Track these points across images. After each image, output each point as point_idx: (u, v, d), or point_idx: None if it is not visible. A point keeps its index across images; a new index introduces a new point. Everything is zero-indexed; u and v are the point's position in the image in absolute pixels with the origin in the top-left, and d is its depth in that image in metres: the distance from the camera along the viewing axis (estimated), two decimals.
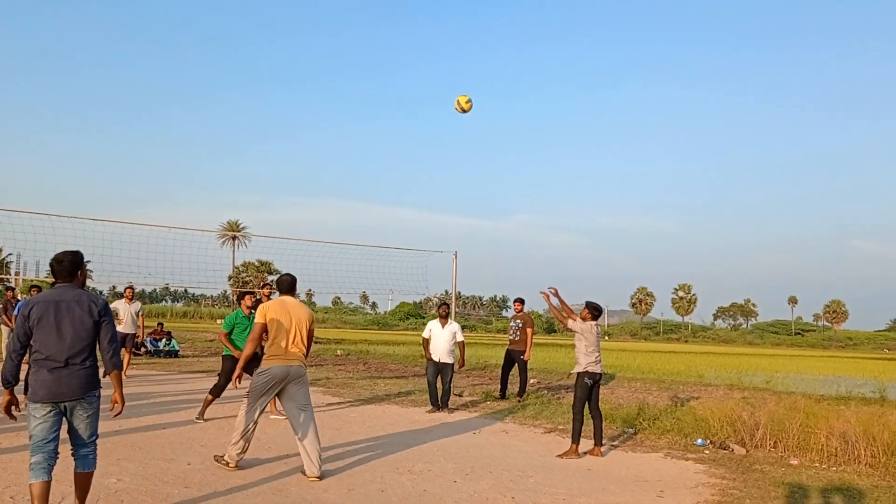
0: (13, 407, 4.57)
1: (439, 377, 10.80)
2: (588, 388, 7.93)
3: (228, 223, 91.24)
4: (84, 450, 4.67)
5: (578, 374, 7.98)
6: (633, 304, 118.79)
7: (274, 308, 6.48)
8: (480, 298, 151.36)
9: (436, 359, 10.76)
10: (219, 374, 9.42)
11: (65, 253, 4.74)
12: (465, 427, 9.55)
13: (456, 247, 22.85)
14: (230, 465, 6.42)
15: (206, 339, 32.36)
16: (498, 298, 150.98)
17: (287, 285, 6.76)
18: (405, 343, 33.85)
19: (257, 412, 6.47)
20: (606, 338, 78.88)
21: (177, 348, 20.63)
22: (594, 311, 8.19)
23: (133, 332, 13.84)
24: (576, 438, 7.86)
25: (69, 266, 4.68)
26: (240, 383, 7.12)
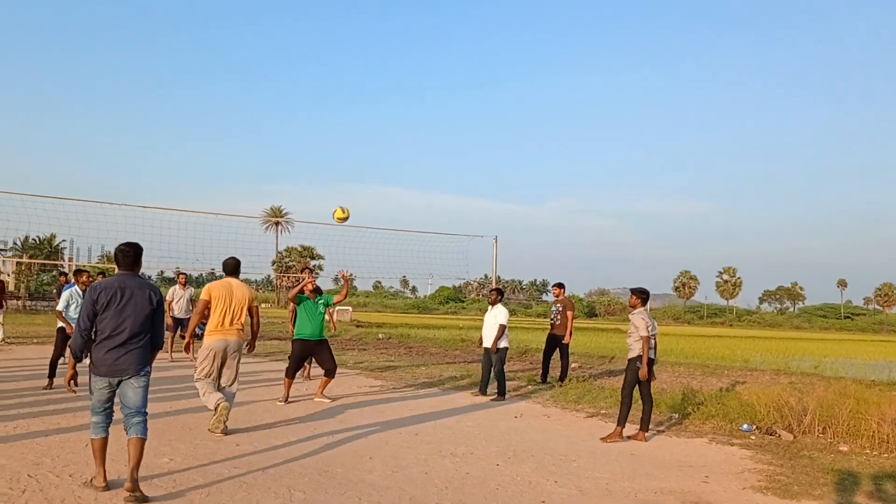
0: (73, 381, 5.30)
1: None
2: (639, 373, 7.89)
3: (272, 209, 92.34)
4: (136, 418, 5.12)
5: (630, 359, 7.93)
6: (676, 288, 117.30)
7: (217, 287, 7.51)
8: (520, 282, 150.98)
9: (486, 344, 10.78)
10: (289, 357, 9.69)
11: (129, 244, 5.26)
12: (507, 411, 9.58)
13: (496, 231, 22.83)
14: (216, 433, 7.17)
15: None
16: (538, 282, 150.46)
17: (231, 268, 7.79)
18: (445, 327, 33.97)
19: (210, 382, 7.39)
20: None
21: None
22: (641, 295, 8.11)
23: (187, 316, 14.16)
24: (621, 421, 7.83)
25: (133, 256, 5.23)
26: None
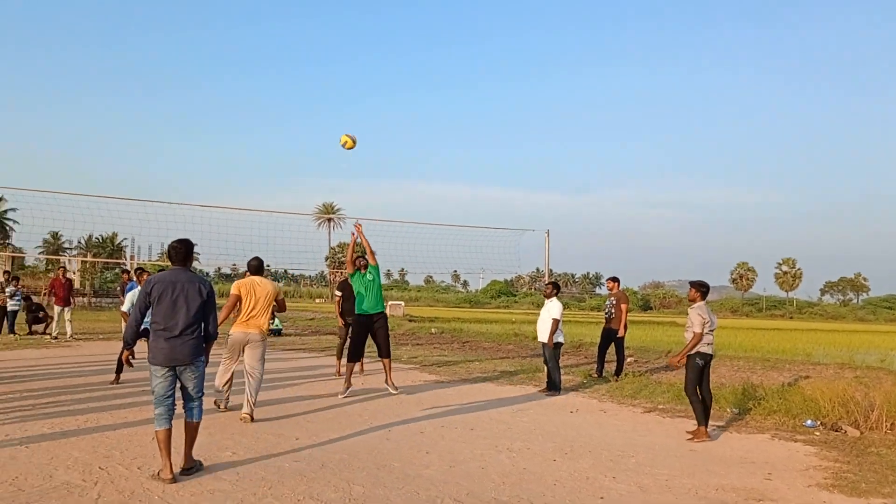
0: (130, 358, 5.76)
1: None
2: (700, 369, 7.76)
3: (324, 205, 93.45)
4: (192, 403, 5.59)
5: (689, 355, 7.80)
6: (734, 280, 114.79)
7: (244, 285, 7.86)
8: (573, 276, 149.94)
9: (541, 339, 10.77)
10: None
11: (181, 241, 5.65)
12: (563, 406, 9.54)
13: (548, 223, 22.73)
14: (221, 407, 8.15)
15: (306, 317, 33.42)
16: (591, 275, 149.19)
17: (254, 268, 8.06)
18: (498, 321, 33.95)
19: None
20: None
21: (280, 327, 21.41)
22: (700, 288, 7.96)
23: None
24: (701, 420, 7.64)
25: (184, 252, 5.64)
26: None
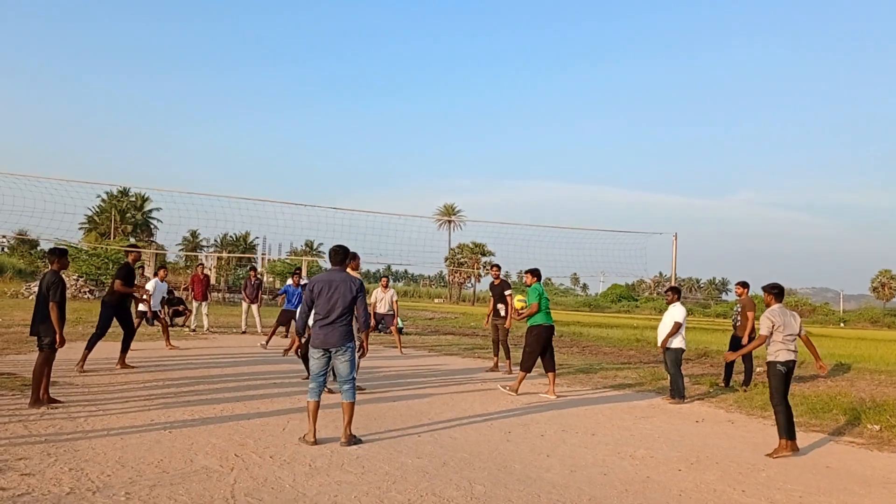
0: (299, 349, 7.09)
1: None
2: (783, 377, 7.30)
3: (445, 207, 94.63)
4: (346, 385, 6.52)
5: (769, 362, 7.37)
6: (875, 289, 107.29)
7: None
8: (698, 281, 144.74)
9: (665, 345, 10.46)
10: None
11: (340, 247, 6.76)
12: (688, 415, 9.25)
13: (673, 227, 22.05)
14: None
15: (426, 317, 33.93)
16: (717, 280, 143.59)
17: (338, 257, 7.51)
18: (619, 326, 33.27)
19: None
20: (842, 324, 72.07)
21: (401, 326, 21.86)
22: (772, 290, 7.52)
23: (390, 313, 15.52)
24: (783, 433, 7.18)
25: (342, 256, 6.73)
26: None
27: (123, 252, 11.36)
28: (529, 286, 10.47)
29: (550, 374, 10.24)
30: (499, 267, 13.57)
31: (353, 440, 6.49)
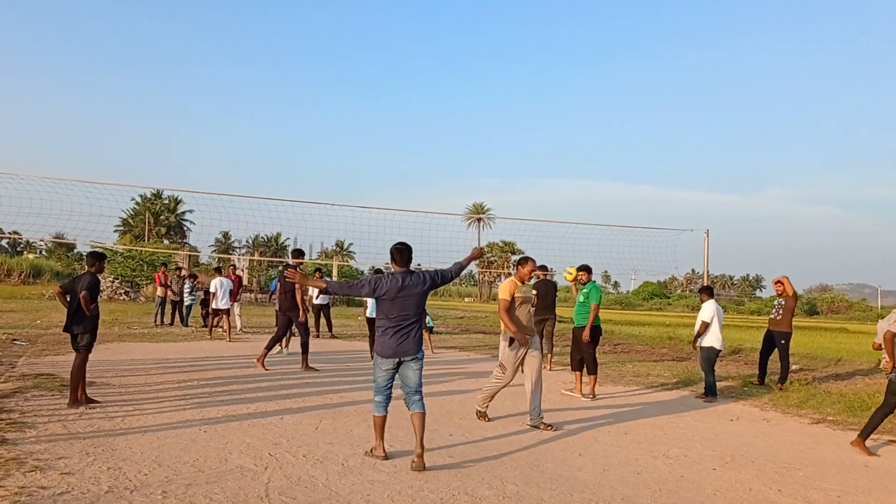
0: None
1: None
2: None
3: (474, 206, 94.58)
4: (415, 396, 5.92)
5: (891, 379, 7.02)
6: None
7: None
8: (731, 278, 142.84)
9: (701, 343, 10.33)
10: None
11: (406, 246, 6.07)
12: (722, 414, 9.14)
13: (705, 223, 21.80)
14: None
15: (456, 316, 33.95)
16: (750, 277, 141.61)
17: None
18: (651, 324, 32.95)
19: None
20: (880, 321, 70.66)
21: (431, 325, 21.89)
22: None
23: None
24: (867, 432, 7.12)
25: (408, 256, 6.05)
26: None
27: (293, 264, 11.81)
28: (585, 283, 10.36)
29: (581, 374, 10.19)
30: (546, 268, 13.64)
31: (420, 466, 5.67)
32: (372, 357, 6.54)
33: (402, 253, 6.03)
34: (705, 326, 10.14)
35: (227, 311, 16.79)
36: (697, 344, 10.28)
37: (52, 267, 50.59)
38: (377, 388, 5.95)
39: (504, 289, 7.66)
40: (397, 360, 5.86)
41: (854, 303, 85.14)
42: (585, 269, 10.47)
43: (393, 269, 6.04)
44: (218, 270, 19.03)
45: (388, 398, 5.96)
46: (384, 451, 5.96)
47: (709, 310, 10.28)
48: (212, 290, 17.06)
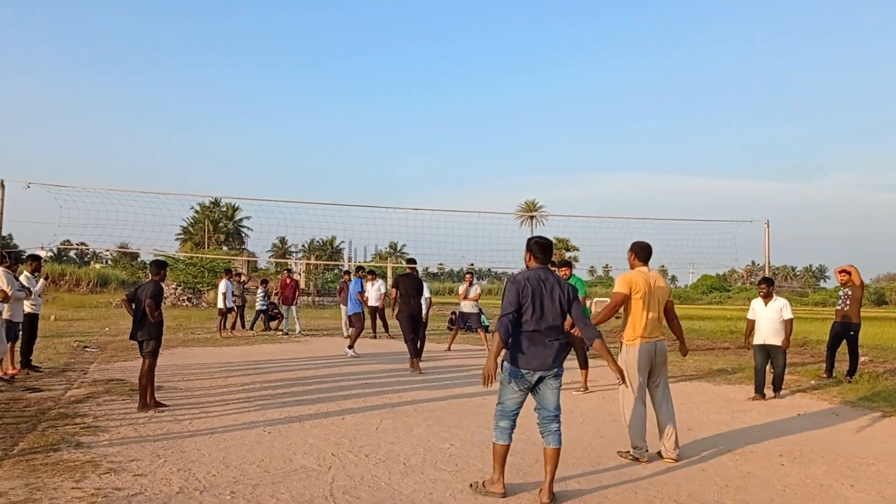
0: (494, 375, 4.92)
1: (770, 362, 9.80)
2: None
3: (526, 203, 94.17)
4: (554, 425, 5.07)
5: None
6: None
7: (636, 280, 6.36)
8: (793, 269, 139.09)
9: (759, 341, 9.81)
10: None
11: (545, 238, 5.30)
12: (789, 408, 8.92)
13: (765, 213, 21.25)
14: (641, 460, 6.14)
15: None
16: (814, 268, 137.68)
17: (646, 252, 6.60)
18: (710, 318, 32.32)
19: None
20: None
21: (486, 323, 21.90)
22: None
23: (475, 311, 15.76)
24: None
25: (550, 252, 5.24)
26: None
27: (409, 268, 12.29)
28: (567, 279, 10.03)
29: (587, 371, 10.22)
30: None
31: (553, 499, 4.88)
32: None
33: (542, 248, 5.21)
34: (790, 323, 9.77)
35: (231, 311, 18.92)
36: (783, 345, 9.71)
37: (118, 276, 52.17)
38: (504, 411, 5.10)
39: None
40: (536, 374, 4.99)
41: None
42: (566, 264, 10.26)
43: (528, 267, 5.28)
44: (227, 272, 19.66)
45: (514, 425, 5.12)
46: (503, 486, 4.99)
47: (778, 305, 9.87)
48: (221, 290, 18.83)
